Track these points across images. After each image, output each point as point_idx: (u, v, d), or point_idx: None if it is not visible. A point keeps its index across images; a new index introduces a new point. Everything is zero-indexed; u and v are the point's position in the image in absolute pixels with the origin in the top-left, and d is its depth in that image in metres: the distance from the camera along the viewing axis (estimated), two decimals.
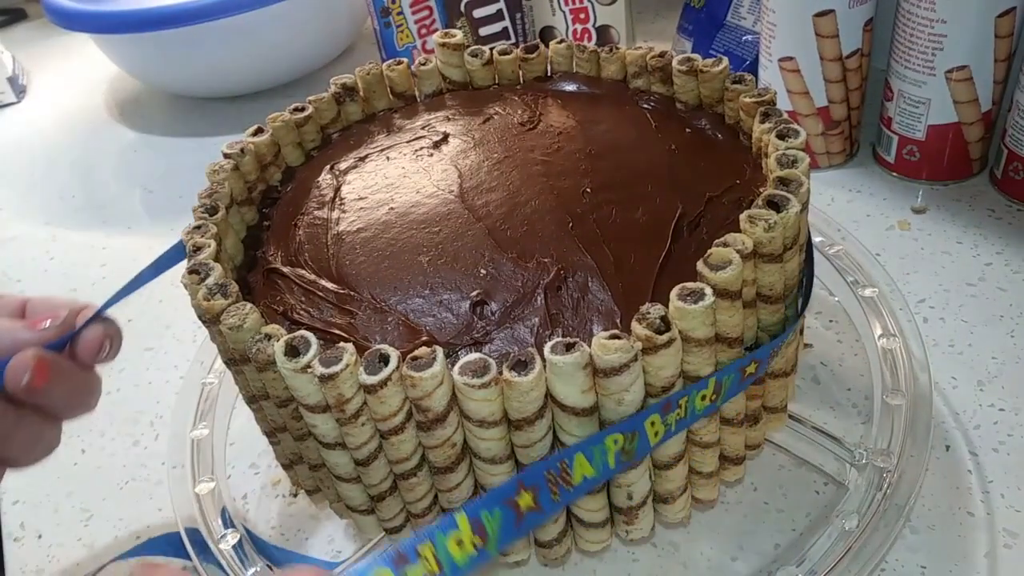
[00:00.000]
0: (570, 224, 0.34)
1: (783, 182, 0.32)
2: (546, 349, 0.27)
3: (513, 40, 0.73)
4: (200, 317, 0.32)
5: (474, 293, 0.32)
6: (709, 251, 0.29)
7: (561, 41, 0.46)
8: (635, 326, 0.27)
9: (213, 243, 0.34)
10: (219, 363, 0.44)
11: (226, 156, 0.39)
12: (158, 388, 0.51)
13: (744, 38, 0.65)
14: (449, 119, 0.43)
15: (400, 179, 0.39)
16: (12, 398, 0.31)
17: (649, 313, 0.27)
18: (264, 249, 0.38)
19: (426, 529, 0.24)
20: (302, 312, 0.33)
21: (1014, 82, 0.52)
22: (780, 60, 0.55)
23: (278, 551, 0.38)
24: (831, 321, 0.47)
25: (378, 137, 0.43)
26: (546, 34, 0.75)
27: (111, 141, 0.80)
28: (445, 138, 0.42)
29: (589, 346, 0.27)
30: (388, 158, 0.41)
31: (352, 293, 0.33)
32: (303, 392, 0.28)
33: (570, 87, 0.45)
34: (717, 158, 0.38)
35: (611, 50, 0.44)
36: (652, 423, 0.28)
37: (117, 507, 0.44)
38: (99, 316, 0.34)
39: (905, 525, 0.36)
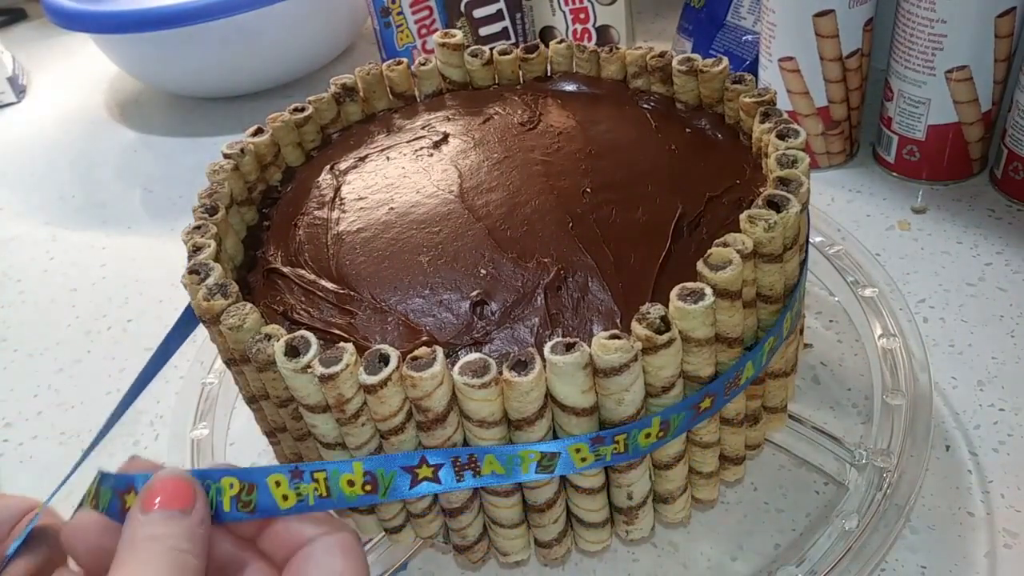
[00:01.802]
0: (570, 224, 0.34)
1: (783, 182, 0.32)
2: (546, 349, 0.27)
3: (513, 40, 0.73)
4: (200, 317, 0.32)
5: (474, 293, 0.32)
6: (709, 251, 0.29)
7: (561, 41, 0.46)
8: (635, 326, 0.27)
9: (213, 243, 0.34)
10: (219, 363, 0.44)
11: (226, 156, 0.39)
12: (158, 388, 0.50)
13: (744, 38, 0.65)
14: (449, 119, 0.43)
15: (400, 179, 0.39)
16: None
17: (649, 313, 0.27)
18: (264, 249, 0.38)
19: (621, 427, 0.28)
20: (302, 312, 0.33)
21: (1014, 82, 0.52)
22: (780, 60, 0.55)
23: None
24: (831, 321, 0.47)
25: (378, 137, 0.43)
26: (546, 34, 0.75)
27: (111, 141, 0.80)
28: (445, 138, 0.42)
29: (589, 346, 0.27)
30: (388, 158, 0.41)
31: (352, 293, 0.33)
32: (303, 392, 0.28)
33: (570, 87, 0.45)
34: (717, 158, 0.38)
35: (611, 50, 0.44)
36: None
37: None
38: (28, 538, 0.26)
39: (905, 525, 0.36)
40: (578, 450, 0.28)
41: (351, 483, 0.26)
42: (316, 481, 0.26)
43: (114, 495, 0.25)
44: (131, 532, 0.23)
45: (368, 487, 0.26)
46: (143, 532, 0.23)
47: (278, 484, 0.25)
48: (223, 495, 0.25)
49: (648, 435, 0.29)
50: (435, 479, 0.27)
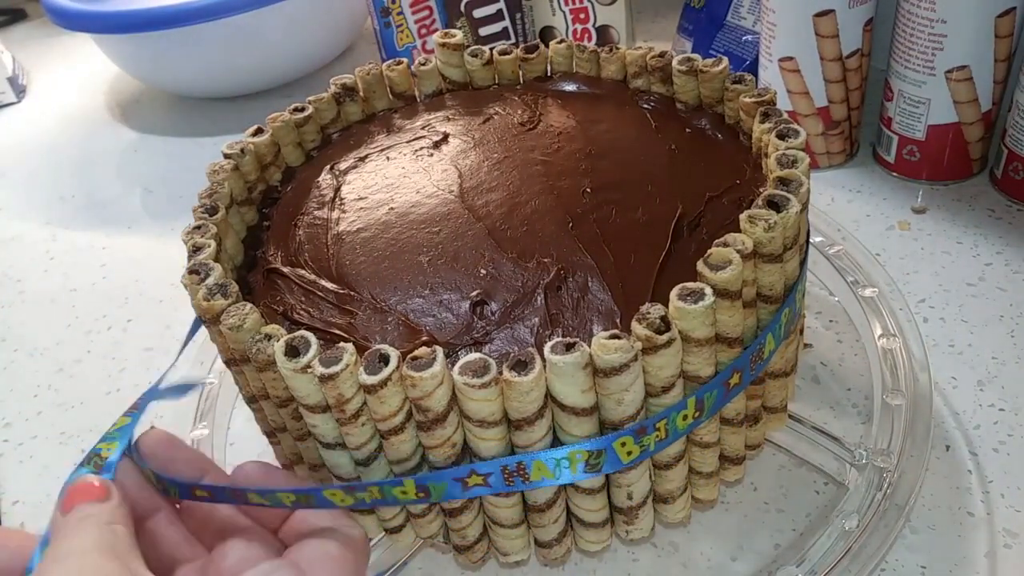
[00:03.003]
0: (570, 224, 0.34)
1: (783, 182, 0.32)
2: (546, 349, 0.27)
3: (513, 40, 0.73)
4: (200, 317, 0.32)
5: (474, 293, 0.32)
6: (709, 251, 0.29)
7: (561, 41, 0.46)
8: (635, 326, 0.27)
9: (213, 243, 0.34)
10: (219, 363, 0.44)
11: (226, 156, 0.39)
12: None
13: (744, 38, 0.65)
14: (449, 119, 0.43)
15: (400, 179, 0.39)
16: None
17: (649, 313, 0.27)
18: (264, 249, 0.38)
19: (661, 411, 0.29)
20: (302, 312, 0.33)
21: (1014, 82, 0.52)
22: (780, 60, 0.55)
23: None
24: (831, 321, 0.47)
25: (378, 137, 0.43)
26: (546, 34, 0.75)
27: (111, 141, 0.80)
28: (445, 138, 0.42)
29: (589, 346, 0.27)
30: (388, 158, 0.41)
31: (352, 293, 0.33)
32: (303, 392, 0.28)
33: (570, 87, 0.45)
34: (717, 158, 0.38)
35: (611, 50, 0.44)
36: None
37: None
38: None
39: (905, 525, 0.36)
40: (623, 444, 0.28)
41: (404, 492, 0.28)
42: (369, 491, 0.28)
43: (184, 488, 0.28)
44: (58, 526, 0.25)
45: (421, 494, 0.28)
46: (69, 521, 0.25)
47: (334, 495, 0.27)
48: (282, 501, 0.28)
49: (685, 416, 0.29)
50: (485, 484, 0.28)
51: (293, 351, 0.28)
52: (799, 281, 0.33)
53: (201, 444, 0.40)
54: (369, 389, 0.27)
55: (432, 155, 0.40)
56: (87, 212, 0.70)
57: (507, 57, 0.46)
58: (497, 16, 0.71)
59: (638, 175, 0.37)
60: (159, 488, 0.28)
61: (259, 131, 0.41)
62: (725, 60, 0.39)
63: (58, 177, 0.76)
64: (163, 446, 0.29)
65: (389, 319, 0.32)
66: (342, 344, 0.28)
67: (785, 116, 0.35)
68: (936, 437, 0.40)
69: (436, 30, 0.71)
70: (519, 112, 0.43)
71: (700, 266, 0.29)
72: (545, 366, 0.27)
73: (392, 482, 0.28)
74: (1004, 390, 0.42)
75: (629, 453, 0.28)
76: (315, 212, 0.38)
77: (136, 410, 0.30)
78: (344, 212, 0.38)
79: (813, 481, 0.39)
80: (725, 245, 0.29)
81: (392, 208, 0.37)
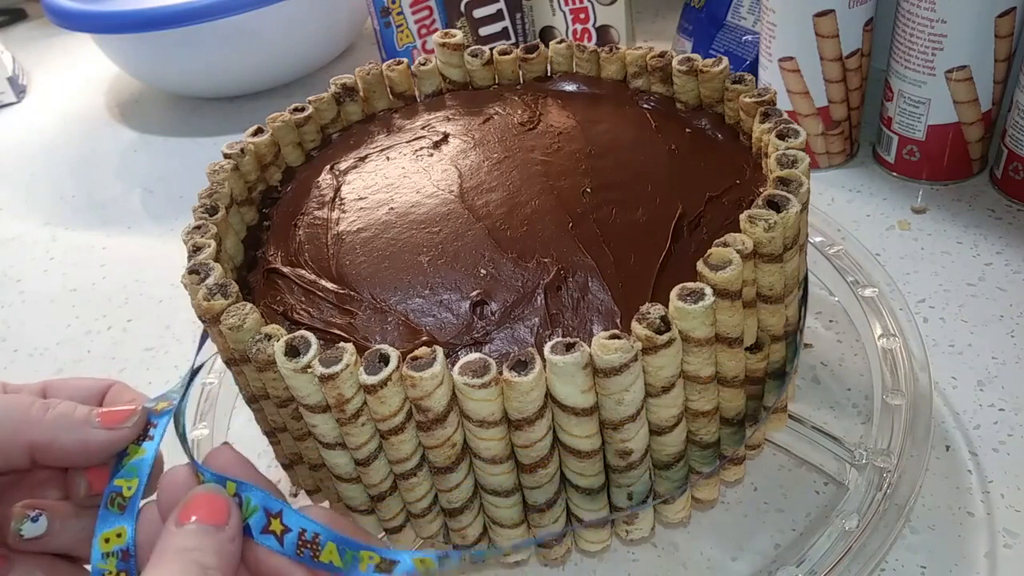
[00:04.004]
0: (570, 224, 0.34)
1: (783, 182, 0.32)
2: (546, 349, 0.27)
3: (513, 40, 0.73)
4: (200, 317, 0.32)
5: (474, 293, 0.32)
6: (709, 251, 0.29)
7: (561, 41, 0.45)
8: (635, 326, 0.27)
9: (213, 243, 0.34)
10: (219, 363, 0.44)
11: (226, 156, 0.39)
12: (158, 388, 0.50)
13: (744, 38, 0.65)
14: (449, 119, 0.43)
15: (400, 179, 0.39)
16: None
17: (649, 313, 0.27)
18: (264, 249, 0.38)
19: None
20: (302, 312, 0.33)
21: (1014, 82, 0.52)
22: (780, 60, 0.55)
23: None
24: (831, 321, 0.47)
25: (378, 137, 0.43)
26: (546, 34, 0.75)
27: (111, 141, 0.80)
28: (445, 138, 0.42)
29: (589, 346, 0.27)
30: (388, 158, 0.41)
31: (352, 293, 0.33)
32: (303, 392, 0.28)
33: (570, 87, 0.45)
34: (717, 158, 0.38)
35: (611, 50, 0.44)
36: None
37: None
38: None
39: (905, 525, 0.36)
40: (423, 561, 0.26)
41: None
42: (463, 559, 0.26)
43: (263, 513, 0.26)
44: (164, 543, 0.24)
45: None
46: (175, 543, 0.24)
47: (422, 562, 0.26)
48: (360, 561, 0.26)
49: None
50: None
51: (293, 351, 0.28)
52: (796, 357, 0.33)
53: (201, 444, 0.40)
54: (369, 389, 0.27)
55: (432, 155, 0.40)
56: (87, 212, 0.70)
57: (507, 57, 0.46)
58: (497, 16, 0.71)
59: (638, 175, 0.37)
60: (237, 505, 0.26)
61: (259, 131, 0.41)
62: (725, 60, 0.39)
63: (58, 177, 0.76)
64: (235, 468, 0.27)
65: (389, 319, 0.32)
66: (342, 344, 0.28)
67: (785, 116, 0.35)
68: (936, 437, 0.40)
69: (436, 30, 0.71)
70: (519, 112, 0.43)
71: (700, 266, 0.29)
72: (545, 366, 0.27)
73: (492, 551, 0.26)
74: (1004, 390, 0.42)
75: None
76: (315, 212, 0.38)
77: (150, 439, 0.28)
78: (344, 212, 0.38)
79: (813, 481, 0.39)
80: (725, 245, 0.29)
81: (392, 208, 0.37)
